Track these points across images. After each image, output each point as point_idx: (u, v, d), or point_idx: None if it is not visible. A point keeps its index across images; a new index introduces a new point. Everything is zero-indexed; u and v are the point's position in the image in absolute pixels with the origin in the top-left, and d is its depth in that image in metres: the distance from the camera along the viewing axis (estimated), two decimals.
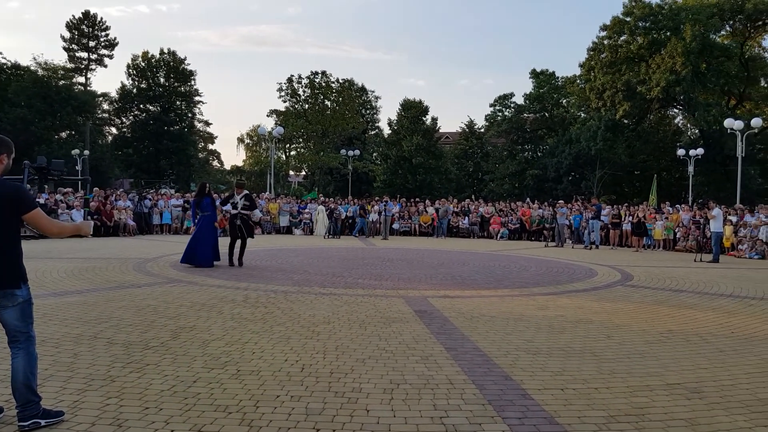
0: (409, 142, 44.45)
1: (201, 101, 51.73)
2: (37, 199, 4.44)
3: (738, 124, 24.67)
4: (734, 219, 19.72)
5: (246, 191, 12.43)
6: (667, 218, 21.14)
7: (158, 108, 48.93)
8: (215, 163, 59.61)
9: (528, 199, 29.60)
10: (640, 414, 3.79)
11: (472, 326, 6.42)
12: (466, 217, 25.57)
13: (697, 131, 40.51)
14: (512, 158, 47.27)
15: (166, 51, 49.47)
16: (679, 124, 46.80)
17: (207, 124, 55.13)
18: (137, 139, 49.05)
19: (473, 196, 36.85)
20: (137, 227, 21.86)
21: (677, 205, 23.74)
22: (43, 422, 3.35)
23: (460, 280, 10.41)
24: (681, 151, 29.94)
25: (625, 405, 3.94)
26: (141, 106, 49.42)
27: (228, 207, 12.28)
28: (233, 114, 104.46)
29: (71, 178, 6.68)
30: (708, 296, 9.10)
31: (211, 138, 57.31)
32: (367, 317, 6.79)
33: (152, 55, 49.11)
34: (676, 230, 20.61)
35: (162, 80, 49.33)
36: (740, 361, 5.18)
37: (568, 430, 3.47)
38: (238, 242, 11.95)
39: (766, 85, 40.13)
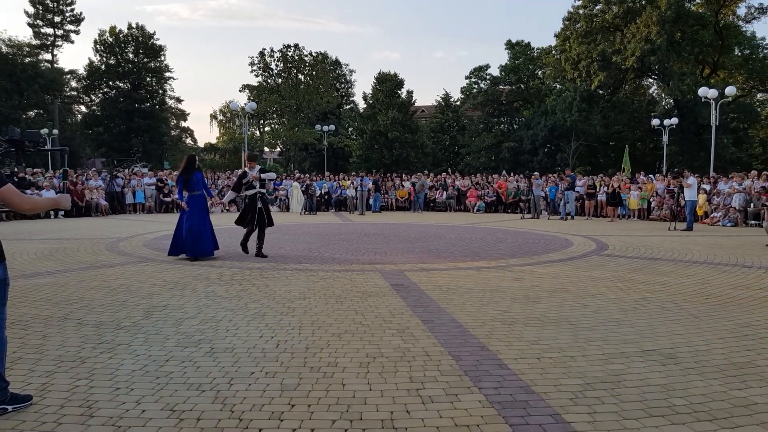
0: (385, 116, 44.12)
1: (172, 77, 50.79)
2: (21, 174, 4.17)
3: (712, 93, 24.87)
4: (708, 187, 20.04)
5: (258, 165, 10.23)
6: (641, 188, 21.39)
7: (128, 85, 47.76)
8: (188, 140, 58.65)
9: (504, 172, 29.70)
10: (615, 381, 3.81)
11: (449, 298, 6.41)
12: (444, 191, 25.59)
13: (671, 101, 40.84)
14: (488, 131, 47.26)
15: (134, 26, 48.18)
16: (654, 94, 47.19)
17: (179, 100, 54.12)
18: (107, 117, 47.91)
19: (449, 170, 36.81)
20: (110, 207, 21.47)
21: (650, 175, 24.03)
22: (10, 408, 3.24)
23: (436, 253, 10.40)
24: (655, 121, 30.18)
25: (601, 372, 3.96)
26: (110, 83, 48.19)
27: (231, 194, 10.69)
28: (205, 90, 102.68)
29: (48, 149, 6.36)
30: (682, 264, 9.22)
31: (183, 115, 56.31)
32: (344, 292, 6.73)
33: (120, 30, 47.78)
34: (651, 200, 20.87)
35: (131, 56, 48.07)
36: (714, 326, 5.24)
37: (544, 399, 3.47)
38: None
39: (740, 54, 40.47)
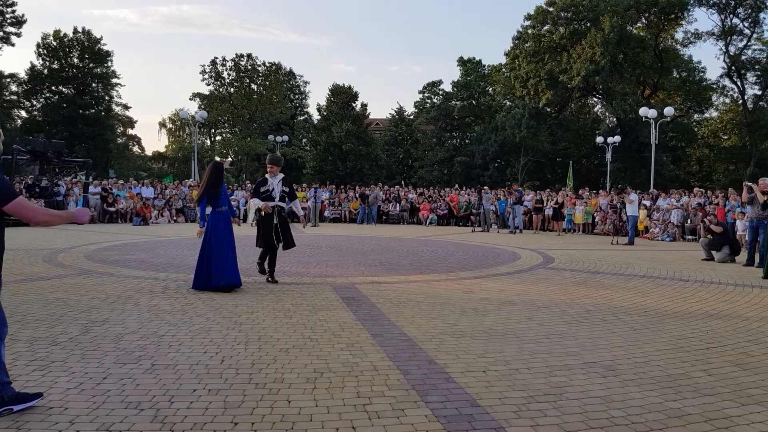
0: (339, 128, 44.13)
1: (119, 84, 49.20)
2: (43, 184, 4.05)
3: (652, 113, 26.04)
4: (648, 203, 20.85)
5: (282, 174, 8.49)
6: (586, 203, 22.07)
7: (72, 90, 46.11)
8: (136, 148, 57.03)
9: (456, 186, 30.11)
10: (558, 393, 3.89)
11: (399, 312, 6.42)
12: (397, 204, 25.72)
13: (614, 119, 42.40)
14: (441, 145, 47.89)
15: (80, 30, 46.63)
16: (598, 113, 48.86)
17: (126, 107, 52.59)
18: (50, 124, 46.04)
19: (403, 183, 37.08)
20: None
21: (592, 192, 24.83)
22: (15, 408, 3.30)
23: (388, 266, 10.43)
24: (599, 139, 31.29)
25: (544, 385, 4.04)
26: (53, 88, 46.40)
27: (256, 201, 8.44)
28: (154, 98, 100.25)
29: (72, 160, 5.95)
30: (623, 277, 9.54)
31: (130, 122, 54.73)
32: (293, 306, 6.66)
33: (65, 34, 46.14)
34: (595, 215, 21.56)
35: (76, 61, 46.45)
36: (652, 338, 5.43)
37: (489, 412, 3.51)
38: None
39: (678, 76, 42.41)
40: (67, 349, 4.70)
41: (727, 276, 9.79)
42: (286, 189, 8.33)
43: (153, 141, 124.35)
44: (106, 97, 48.84)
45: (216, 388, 3.85)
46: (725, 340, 5.44)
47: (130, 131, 55.81)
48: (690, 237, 18.36)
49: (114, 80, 48.66)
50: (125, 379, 3.99)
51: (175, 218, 23.55)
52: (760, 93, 40.42)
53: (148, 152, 58.57)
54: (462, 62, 49.73)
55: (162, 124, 56.77)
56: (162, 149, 57.88)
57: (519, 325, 5.85)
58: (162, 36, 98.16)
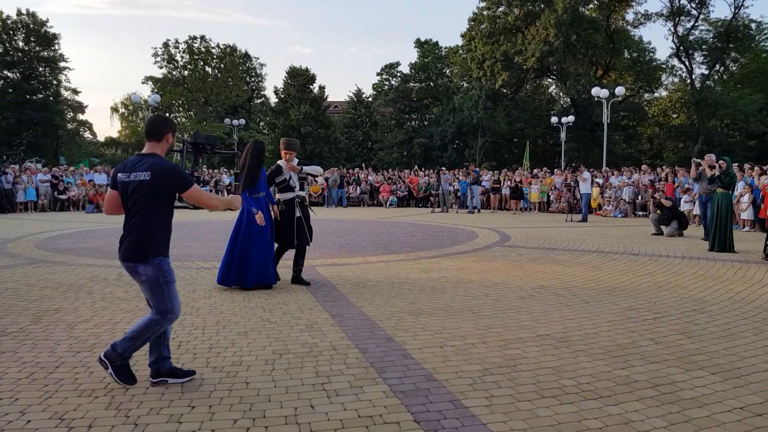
0: (297, 111, 43.60)
1: (68, 67, 47.29)
2: (196, 174, 4.12)
3: (604, 93, 26.60)
4: (601, 181, 21.40)
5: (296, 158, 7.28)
6: (541, 182, 22.50)
7: (17, 75, 44.12)
8: (87, 134, 55.14)
9: (416, 167, 30.24)
10: (512, 365, 4.00)
11: (358, 292, 6.46)
12: (357, 186, 25.69)
13: (568, 100, 43.12)
14: (400, 127, 47.88)
15: (24, 12, 44.54)
16: (553, 93, 49.61)
17: (75, 92, 50.66)
18: None
19: (363, 165, 36.99)
20: None
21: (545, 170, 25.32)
22: (109, 369, 3.48)
23: (348, 248, 10.45)
24: (554, 119, 31.82)
25: (499, 358, 4.14)
26: None
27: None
28: (105, 82, 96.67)
29: (223, 152, 5.63)
30: (577, 253, 9.81)
31: (81, 107, 52.76)
32: (251, 289, 6.61)
33: (8, 16, 43.96)
34: (550, 193, 22.01)
35: (21, 44, 44.42)
36: (603, 310, 5.62)
37: (445, 386, 3.59)
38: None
39: (629, 57, 43.34)
40: (17, 339, 4.58)
41: (675, 249, 10.17)
42: (305, 172, 7.25)
43: (105, 126, 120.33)
44: (54, 82, 46.93)
45: None
46: (672, 310, 5.67)
47: (81, 116, 53.91)
48: (641, 213, 18.97)
49: (62, 64, 46.76)
50: (78, 367, 3.92)
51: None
52: (707, 72, 41.73)
53: (100, 138, 56.79)
54: (419, 44, 49.66)
55: (114, 109, 54.95)
56: (115, 135, 56.18)
57: (475, 302, 5.97)
58: (112, 17, 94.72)
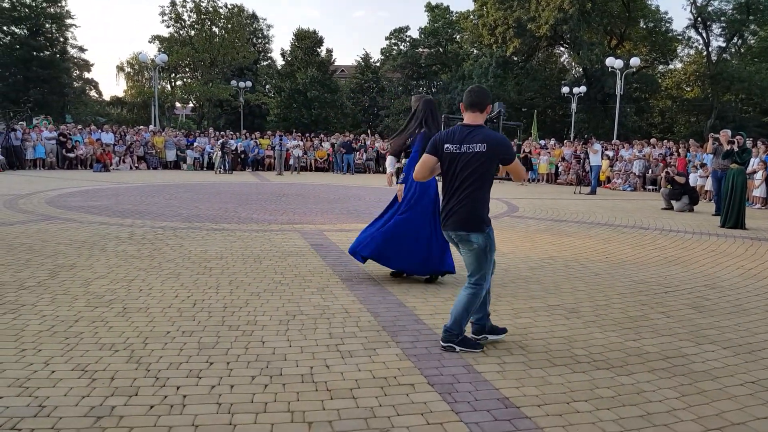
0: (304, 74, 43.11)
1: (74, 24, 46.74)
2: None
3: (618, 64, 26.17)
4: (611, 154, 21.25)
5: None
6: (549, 153, 22.35)
7: (24, 31, 43.61)
8: (93, 93, 54.75)
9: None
10: (523, 333, 4.04)
11: None
12: (364, 152, 25.57)
13: (580, 70, 42.47)
14: (407, 94, 47.38)
15: None
16: (565, 63, 48.85)
17: (82, 50, 50.05)
18: (1, 66, 43.71)
19: (369, 132, 36.75)
20: (6, 162, 19.88)
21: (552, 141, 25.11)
22: (457, 348, 3.60)
23: (356, 214, 10.46)
24: (565, 89, 31.44)
25: (509, 326, 4.18)
26: (4, 28, 43.74)
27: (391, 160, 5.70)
28: (112, 40, 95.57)
29: (509, 123, 5.50)
30: (586, 225, 9.80)
31: (87, 66, 52.21)
32: (262, 252, 6.66)
33: None
34: (559, 164, 21.89)
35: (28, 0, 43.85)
36: (613, 283, 5.65)
37: (457, 351, 3.63)
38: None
39: (644, 27, 42.48)
40: (35, 293, 4.64)
41: (686, 224, 10.16)
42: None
43: (111, 85, 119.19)
44: (61, 39, 46.40)
45: (189, 330, 3.88)
46: (682, 284, 5.69)
47: (87, 75, 53.48)
48: (651, 187, 18.88)
49: (68, 21, 46.18)
50: (97, 322, 3.98)
51: (136, 165, 22.99)
52: (724, 45, 40.92)
53: (106, 97, 56.44)
54: (430, 8, 48.72)
55: (120, 68, 54.40)
56: (120, 94, 55.80)
57: None
58: None
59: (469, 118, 3.62)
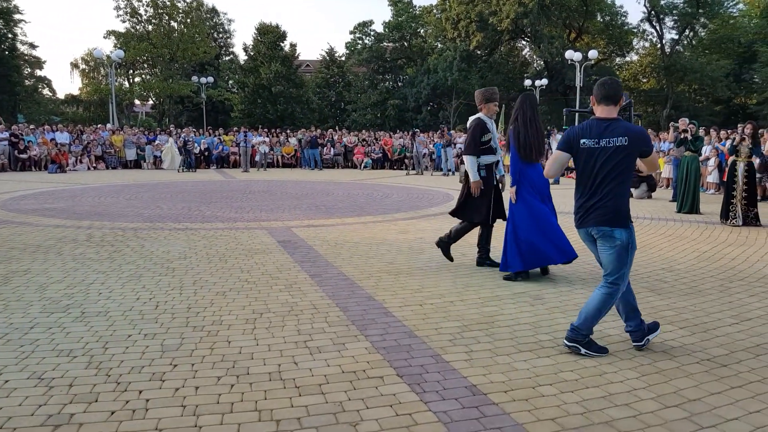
0: (268, 69, 42.60)
1: (23, 20, 45.18)
2: None
3: (577, 56, 26.65)
4: None
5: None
6: None
7: None
8: (45, 91, 53.11)
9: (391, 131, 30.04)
10: (490, 321, 4.08)
11: (336, 253, 6.47)
12: (332, 148, 25.41)
13: (542, 63, 43.10)
14: (373, 88, 47.30)
15: None
16: (526, 56, 49.47)
17: (33, 46, 48.52)
18: None
19: (336, 127, 36.58)
20: None
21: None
22: (582, 350, 3.47)
23: (324, 210, 10.41)
24: (528, 82, 31.85)
25: (477, 314, 4.22)
26: None
27: (470, 159, 5.70)
28: (65, 36, 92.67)
29: (582, 110, 5.22)
30: None
31: (39, 63, 50.67)
32: (228, 250, 6.57)
33: None
34: None
35: None
36: (576, 269, 5.74)
37: (425, 342, 3.64)
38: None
39: (601, 20, 43.32)
40: None
41: (644, 211, 10.40)
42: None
43: (65, 83, 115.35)
44: (9, 35, 44.82)
45: (152, 332, 3.79)
46: (641, 268, 5.82)
47: (39, 72, 51.86)
48: None
49: (17, 16, 44.61)
50: (54, 328, 3.86)
51: (94, 165, 22.40)
52: (677, 37, 42.03)
53: (60, 95, 54.79)
54: (393, 2, 48.68)
55: (74, 65, 52.91)
56: (75, 92, 54.22)
57: (453, 262, 6.03)
58: None
59: (602, 111, 3.50)
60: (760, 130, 12.89)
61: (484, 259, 5.96)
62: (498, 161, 5.92)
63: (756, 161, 9.72)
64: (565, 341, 3.54)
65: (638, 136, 3.40)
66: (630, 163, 3.44)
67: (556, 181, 16.85)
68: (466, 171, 5.79)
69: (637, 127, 3.60)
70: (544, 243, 5.23)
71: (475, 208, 5.85)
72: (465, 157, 5.72)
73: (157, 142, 24.03)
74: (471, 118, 5.85)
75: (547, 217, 5.37)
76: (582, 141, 3.49)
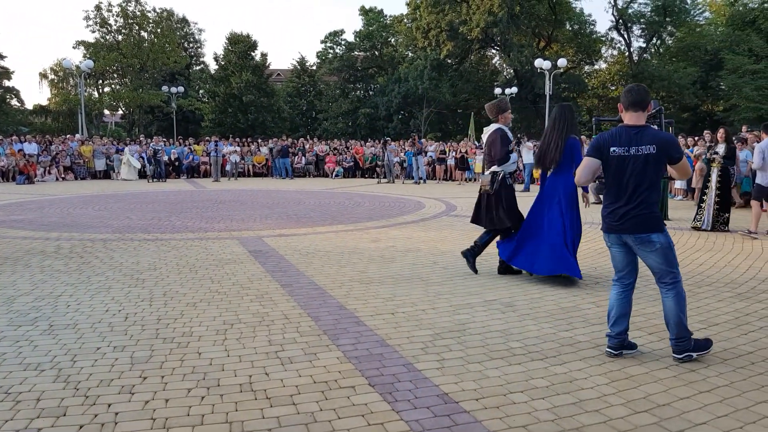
0: (238, 78, 42.36)
1: None
2: None
3: (546, 65, 27.11)
4: None
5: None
6: None
7: None
8: (14, 101, 51.93)
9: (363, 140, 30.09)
10: (461, 329, 4.12)
11: (308, 262, 6.46)
12: (303, 157, 25.33)
13: (512, 71, 43.70)
14: (345, 97, 47.38)
15: None
16: (496, 65, 50.12)
17: (0, 57, 47.57)
18: None
19: (307, 136, 36.53)
20: None
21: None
22: (694, 355, 3.52)
23: (295, 219, 10.38)
24: (498, 90, 32.24)
25: (448, 322, 4.26)
26: None
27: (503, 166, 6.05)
28: (33, 46, 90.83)
29: (609, 118, 5.19)
30: None
31: (7, 73, 49.55)
32: (198, 260, 6.51)
33: None
34: None
35: None
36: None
37: (397, 350, 3.67)
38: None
39: (570, 29, 44.19)
40: None
41: None
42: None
43: (34, 93, 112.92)
44: None
45: (121, 344, 3.74)
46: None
47: (7, 83, 50.68)
48: None
49: None
50: (21, 341, 3.78)
51: (63, 176, 21.97)
52: (644, 45, 43.13)
53: (29, 105, 53.60)
54: (364, 12, 48.93)
55: (43, 75, 51.87)
56: (44, 102, 53.11)
57: (424, 270, 6.08)
58: None
59: (631, 118, 3.52)
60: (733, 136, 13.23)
61: (470, 255, 6.05)
62: (499, 171, 6.05)
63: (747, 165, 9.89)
64: (676, 356, 3.54)
65: (666, 143, 3.45)
66: (659, 170, 3.51)
67: (526, 188, 17.09)
68: (491, 180, 5.98)
69: (665, 133, 3.68)
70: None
71: (509, 214, 6.10)
72: (499, 168, 5.93)
73: (125, 151, 23.67)
74: (489, 129, 6.02)
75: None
76: (612, 149, 3.52)
